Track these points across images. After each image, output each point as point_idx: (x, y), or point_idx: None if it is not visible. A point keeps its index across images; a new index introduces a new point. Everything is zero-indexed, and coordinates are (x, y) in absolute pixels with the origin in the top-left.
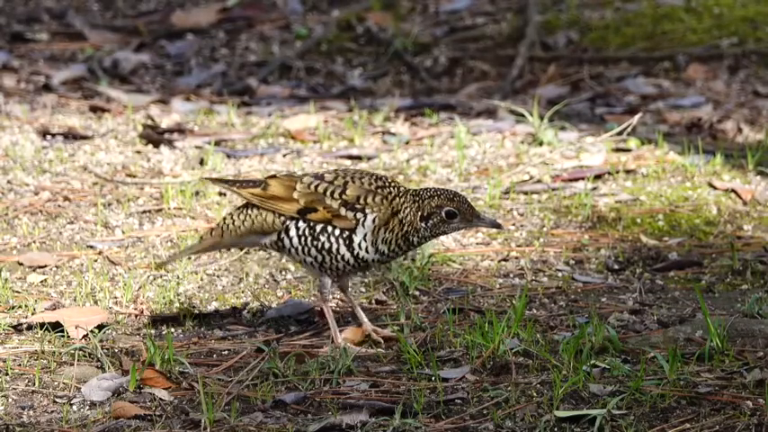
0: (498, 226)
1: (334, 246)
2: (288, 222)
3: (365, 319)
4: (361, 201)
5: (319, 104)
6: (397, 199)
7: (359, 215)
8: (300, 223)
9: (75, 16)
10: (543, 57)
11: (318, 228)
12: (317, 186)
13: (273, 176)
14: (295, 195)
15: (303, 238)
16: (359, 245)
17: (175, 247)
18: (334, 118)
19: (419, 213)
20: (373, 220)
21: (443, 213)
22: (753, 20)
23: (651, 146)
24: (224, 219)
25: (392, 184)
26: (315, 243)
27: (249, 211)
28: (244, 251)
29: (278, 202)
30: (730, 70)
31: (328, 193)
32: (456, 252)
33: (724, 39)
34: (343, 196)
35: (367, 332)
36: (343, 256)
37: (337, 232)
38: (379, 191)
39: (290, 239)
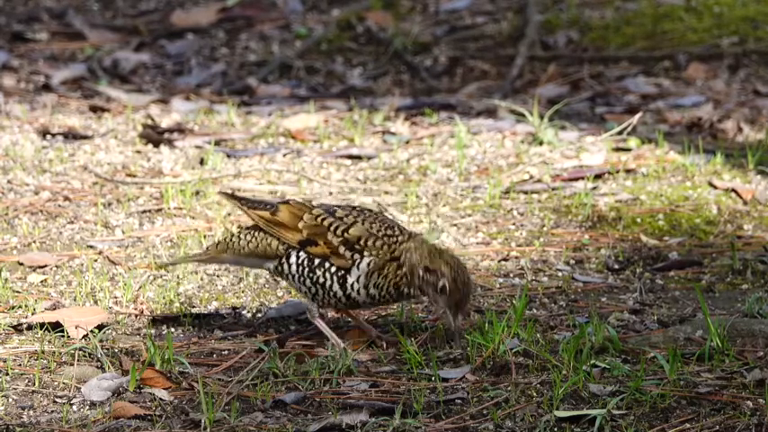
0: (461, 343)
1: (328, 282)
2: (290, 250)
3: (369, 327)
4: (361, 242)
5: (319, 104)
6: (404, 245)
7: (356, 256)
8: (301, 253)
9: (75, 16)
10: (543, 56)
11: (316, 261)
12: (323, 220)
13: (287, 202)
14: (300, 225)
15: (300, 268)
16: (351, 285)
17: (175, 246)
18: (335, 117)
19: (425, 262)
20: (368, 264)
21: (441, 283)
22: (753, 19)
23: (651, 145)
24: (231, 235)
25: (403, 233)
26: (310, 275)
27: (256, 233)
28: None
29: (282, 230)
30: (731, 69)
31: (332, 229)
32: (456, 252)
33: (724, 38)
34: (345, 235)
35: (372, 339)
36: (335, 293)
37: (333, 269)
38: (384, 238)
39: (289, 266)
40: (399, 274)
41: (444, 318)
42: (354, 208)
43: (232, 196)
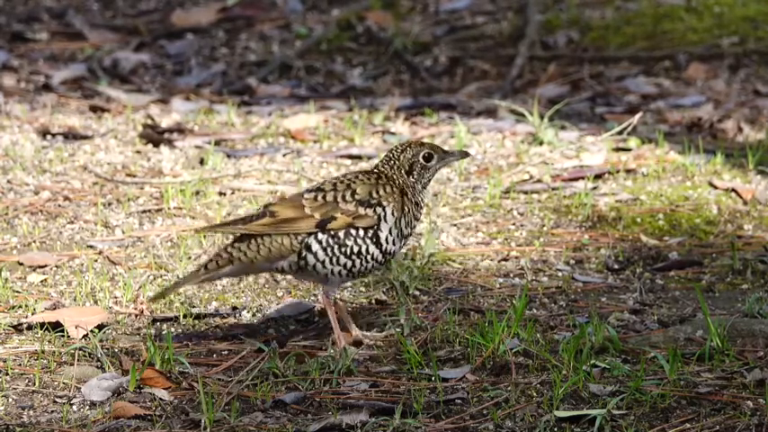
0: (467, 154)
1: (363, 247)
2: (307, 239)
3: (353, 326)
4: (375, 195)
5: (319, 104)
6: (389, 171)
7: (378, 209)
8: (320, 236)
9: (75, 16)
10: (543, 56)
11: (342, 234)
12: (324, 196)
13: (271, 204)
14: (308, 212)
15: (329, 249)
16: (386, 239)
17: (175, 246)
18: (334, 117)
19: (402, 171)
20: (392, 212)
21: (421, 158)
22: (753, 19)
23: (651, 145)
24: (227, 250)
25: (375, 171)
26: (343, 250)
27: (260, 240)
28: None
29: (293, 224)
30: (731, 69)
31: (340, 198)
32: (456, 252)
33: (724, 38)
34: (356, 196)
35: (357, 338)
36: (372, 255)
37: (362, 233)
38: (381, 180)
39: (315, 255)
40: (412, 201)
41: (451, 161)
42: (324, 181)
43: (218, 226)
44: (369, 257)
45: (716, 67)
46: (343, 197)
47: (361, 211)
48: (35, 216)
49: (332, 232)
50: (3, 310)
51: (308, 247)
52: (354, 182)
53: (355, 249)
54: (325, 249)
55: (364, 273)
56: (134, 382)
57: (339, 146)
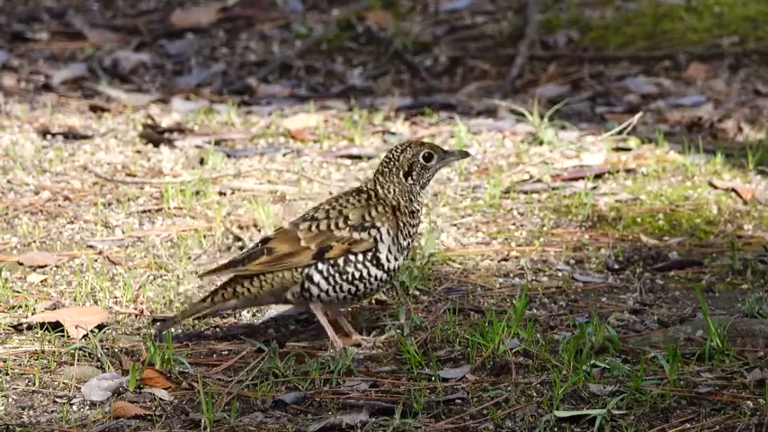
0: (467, 154)
1: (365, 271)
2: (307, 270)
3: (352, 330)
4: (367, 218)
5: (319, 104)
6: (382, 190)
7: (373, 231)
8: (320, 266)
9: (75, 16)
10: (543, 56)
11: (341, 261)
12: (317, 225)
13: (268, 239)
14: (303, 244)
15: (331, 278)
16: (387, 258)
17: (175, 246)
18: (335, 117)
19: (400, 173)
20: (388, 231)
21: (421, 158)
22: (754, 19)
23: (651, 145)
24: (231, 284)
25: (367, 187)
26: (345, 277)
27: (262, 277)
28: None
29: (291, 259)
30: (731, 69)
31: (332, 227)
32: (456, 252)
33: (725, 38)
34: (349, 222)
35: (357, 342)
36: (377, 277)
37: (361, 257)
38: (371, 202)
39: (317, 285)
40: (406, 213)
41: (451, 161)
42: (318, 207)
43: (219, 269)
44: (372, 279)
45: (716, 67)
46: (337, 224)
47: (356, 236)
48: (35, 216)
49: (331, 261)
50: (3, 310)
51: (310, 278)
52: (346, 206)
53: (356, 275)
54: (326, 279)
55: (371, 293)
56: (134, 382)
57: (339, 146)
